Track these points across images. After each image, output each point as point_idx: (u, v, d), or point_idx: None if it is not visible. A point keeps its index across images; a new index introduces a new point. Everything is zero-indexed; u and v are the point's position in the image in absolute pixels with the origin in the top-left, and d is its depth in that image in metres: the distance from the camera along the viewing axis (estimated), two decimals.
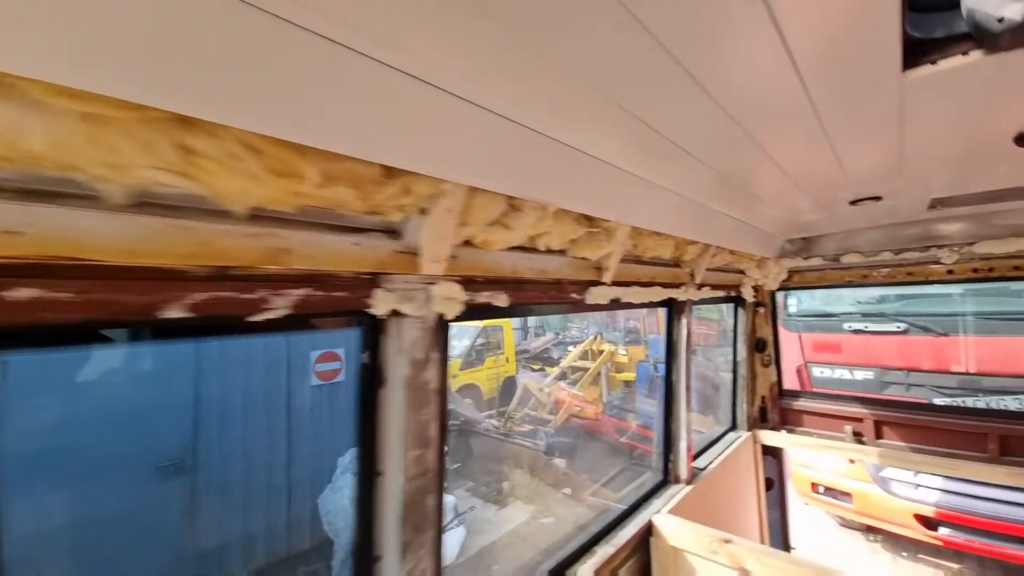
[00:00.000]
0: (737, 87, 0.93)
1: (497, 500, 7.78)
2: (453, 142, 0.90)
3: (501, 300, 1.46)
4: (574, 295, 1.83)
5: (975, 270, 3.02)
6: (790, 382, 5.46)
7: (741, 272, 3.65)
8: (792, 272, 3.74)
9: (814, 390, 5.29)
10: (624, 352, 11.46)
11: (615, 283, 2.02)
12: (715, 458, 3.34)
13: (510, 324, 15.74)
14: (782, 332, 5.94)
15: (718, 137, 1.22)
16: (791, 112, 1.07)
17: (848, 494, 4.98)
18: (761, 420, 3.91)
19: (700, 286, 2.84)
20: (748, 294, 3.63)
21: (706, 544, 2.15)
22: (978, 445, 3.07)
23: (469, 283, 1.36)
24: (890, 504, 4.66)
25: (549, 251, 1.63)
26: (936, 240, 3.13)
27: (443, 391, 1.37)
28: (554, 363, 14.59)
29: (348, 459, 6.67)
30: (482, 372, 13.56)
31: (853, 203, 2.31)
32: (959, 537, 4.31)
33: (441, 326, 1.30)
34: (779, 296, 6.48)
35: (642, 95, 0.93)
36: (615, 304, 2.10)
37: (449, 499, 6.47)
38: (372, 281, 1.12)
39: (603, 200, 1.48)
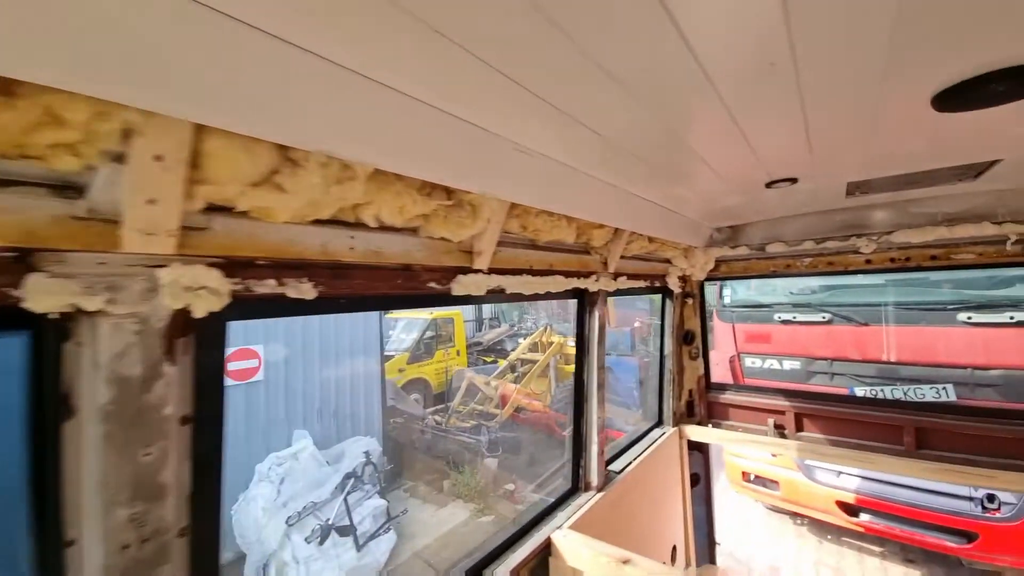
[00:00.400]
0: (631, 63, 0.86)
1: (436, 500, 7.46)
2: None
3: (303, 290, 1.10)
4: (434, 284, 1.49)
5: (892, 260, 2.94)
6: (723, 374, 5.44)
7: (667, 261, 3.46)
8: (720, 262, 3.59)
9: (741, 382, 5.28)
10: (573, 343, 11.34)
11: (495, 271, 1.70)
12: (638, 456, 3.16)
13: (461, 316, 15.37)
14: (717, 323, 5.94)
15: (612, 110, 1.07)
16: (694, 93, 1.01)
17: (775, 482, 5.02)
18: (688, 414, 3.77)
19: (616, 275, 2.59)
20: (675, 284, 3.45)
21: (603, 564, 1.91)
22: (894, 437, 3.04)
23: (241, 267, 0.99)
24: (813, 491, 4.71)
25: (387, 228, 1.29)
26: (856, 229, 3.05)
27: (213, 416, 1.01)
28: (508, 355, 14.37)
29: (267, 466, 6.13)
30: (431, 366, 13.14)
31: (769, 185, 2.11)
32: (879, 524, 4.40)
33: (186, 327, 0.92)
34: (715, 287, 6.49)
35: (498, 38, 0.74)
36: (499, 295, 1.79)
37: (379, 503, 6.08)
38: (19, 262, 0.73)
39: (457, 166, 1.15)
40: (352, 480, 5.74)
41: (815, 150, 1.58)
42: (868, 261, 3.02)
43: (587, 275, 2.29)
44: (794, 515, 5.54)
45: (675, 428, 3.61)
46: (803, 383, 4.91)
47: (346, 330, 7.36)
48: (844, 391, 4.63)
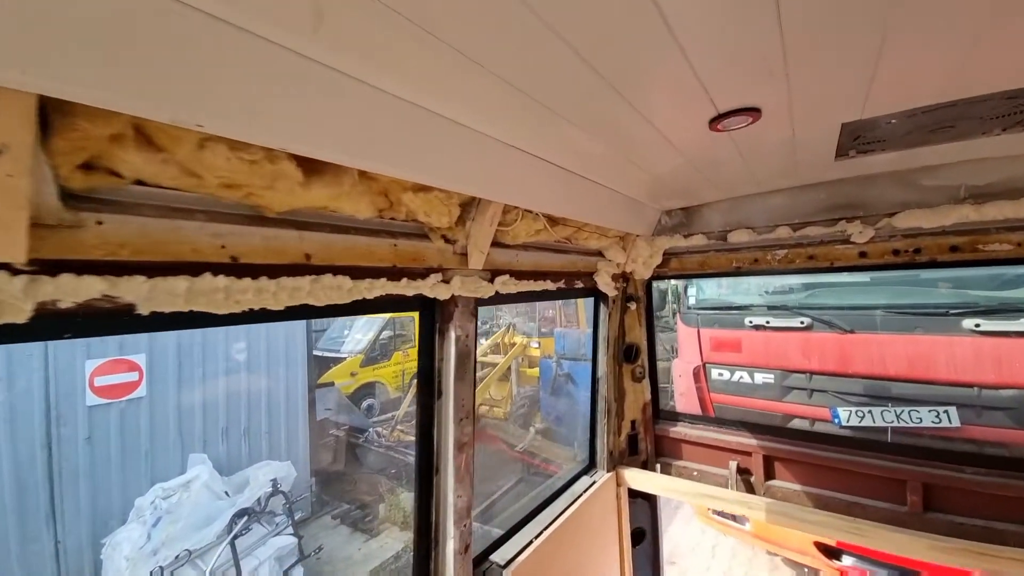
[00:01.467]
0: None
1: (369, 528, 6.55)
2: None
3: None
4: None
5: (895, 252, 2.12)
6: (687, 387, 4.63)
7: (597, 254, 2.59)
8: (670, 255, 2.74)
9: (706, 398, 4.49)
10: (537, 345, 10.52)
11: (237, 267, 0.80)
12: (561, 514, 2.31)
13: None
14: (681, 327, 5.14)
15: None
16: None
17: (745, 516, 4.24)
18: (630, 451, 2.93)
19: (496, 273, 1.70)
20: (607, 285, 2.58)
21: None
22: (894, 495, 2.24)
23: None
24: (789, 529, 3.93)
25: None
26: (847, 210, 2.22)
27: None
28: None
29: (150, 499, 5.12)
30: (388, 369, 12.15)
31: (718, 123, 1.26)
32: (864, 568, 3.66)
33: None
34: (674, 285, 5.67)
35: None
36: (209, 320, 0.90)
37: (287, 542, 5.14)
38: None
39: None
40: (245, 518, 4.78)
41: (791, 56, 0.95)
42: (863, 254, 2.20)
43: (424, 274, 1.40)
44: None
45: (611, 473, 2.76)
46: (778, 401, 4.12)
47: (262, 335, 6.34)
48: (826, 413, 3.86)
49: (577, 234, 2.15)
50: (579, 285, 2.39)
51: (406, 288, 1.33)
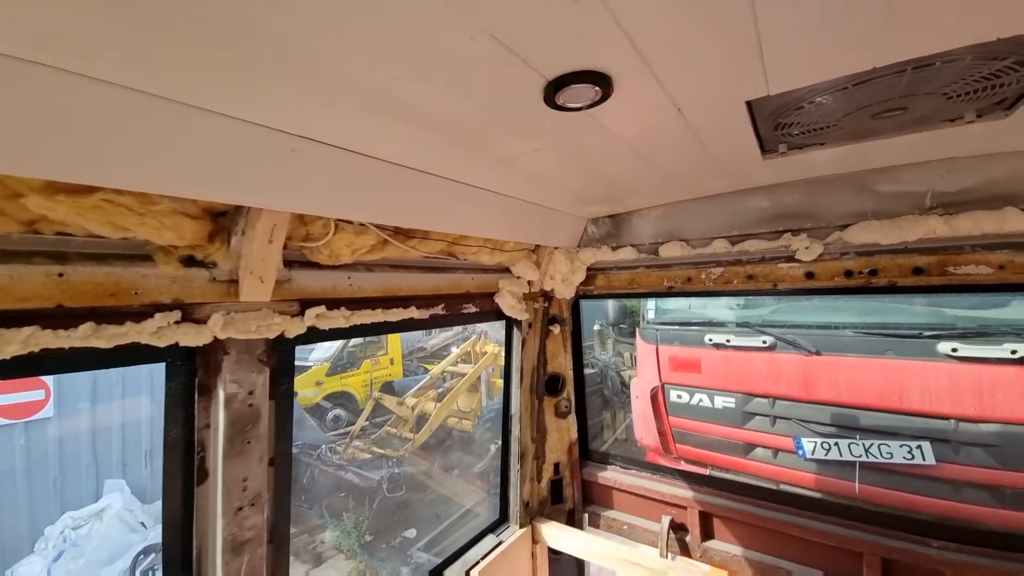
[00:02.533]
0: None
1: (314, 556, 6.06)
2: None
3: None
4: None
5: (848, 273, 1.71)
6: (644, 410, 4.22)
7: (504, 271, 2.17)
8: (595, 271, 2.32)
9: (664, 423, 4.08)
10: None
11: None
12: None
13: None
14: (640, 344, 4.72)
15: None
16: None
17: None
18: (553, 500, 2.50)
19: (303, 305, 1.27)
20: (512, 308, 2.15)
21: None
22: (849, 569, 1.83)
23: None
24: None
25: None
26: (790, 220, 1.82)
27: None
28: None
29: (59, 529, 4.60)
30: (357, 377, 11.64)
31: (556, 94, 0.84)
32: None
33: None
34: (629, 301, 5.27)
35: None
36: None
37: None
38: None
39: None
40: (153, 555, 4.28)
41: None
42: (810, 275, 1.79)
43: (141, 315, 0.96)
44: None
45: (526, 529, 2.33)
46: (739, 427, 3.72)
47: None
48: (789, 443, 3.46)
49: (457, 248, 1.72)
50: (471, 309, 1.96)
51: (93, 337, 0.89)
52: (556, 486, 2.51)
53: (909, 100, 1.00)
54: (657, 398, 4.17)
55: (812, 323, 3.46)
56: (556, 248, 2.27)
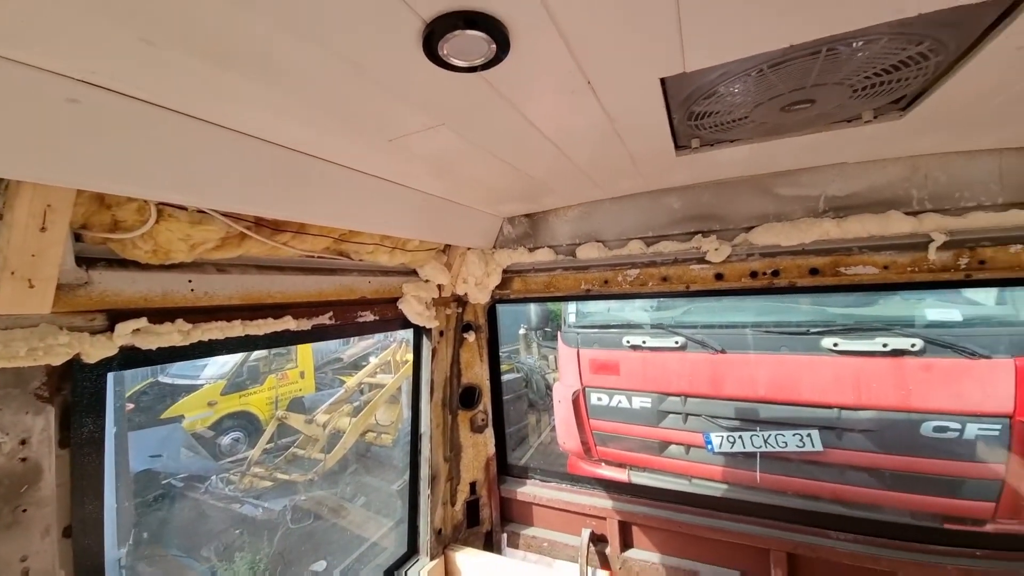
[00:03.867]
0: None
1: None
2: None
3: None
4: None
5: (753, 274, 1.73)
6: (565, 416, 4.17)
7: (410, 274, 1.94)
8: (511, 273, 2.18)
9: (585, 426, 4.07)
10: None
11: None
12: None
13: None
14: (562, 347, 4.71)
15: None
16: None
17: None
18: (470, 523, 2.30)
19: (112, 318, 0.95)
20: (419, 315, 1.92)
21: None
22: (758, 566, 1.85)
23: None
24: None
25: None
26: (701, 222, 1.82)
27: None
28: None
29: None
30: (260, 395, 10.49)
31: (434, 42, 0.62)
32: None
33: None
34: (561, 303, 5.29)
35: None
36: None
37: None
38: None
39: None
40: None
41: None
42: (719, 276, 1.79)
43: None
44: None
45: (438, 560, 2.10)
46: (654, 426, 3.81)
47: None
48: (699, 438, 3.60)
49: (346, 246, 1.46)
50: (368, 318, 1.70)
51: None
52: (472, 507, 2.31)
53: (818, 91, 0.97)
54: (579, 402, 4.16)
55: (719, 323, 3.64)
56: (469, 249, 2.08)
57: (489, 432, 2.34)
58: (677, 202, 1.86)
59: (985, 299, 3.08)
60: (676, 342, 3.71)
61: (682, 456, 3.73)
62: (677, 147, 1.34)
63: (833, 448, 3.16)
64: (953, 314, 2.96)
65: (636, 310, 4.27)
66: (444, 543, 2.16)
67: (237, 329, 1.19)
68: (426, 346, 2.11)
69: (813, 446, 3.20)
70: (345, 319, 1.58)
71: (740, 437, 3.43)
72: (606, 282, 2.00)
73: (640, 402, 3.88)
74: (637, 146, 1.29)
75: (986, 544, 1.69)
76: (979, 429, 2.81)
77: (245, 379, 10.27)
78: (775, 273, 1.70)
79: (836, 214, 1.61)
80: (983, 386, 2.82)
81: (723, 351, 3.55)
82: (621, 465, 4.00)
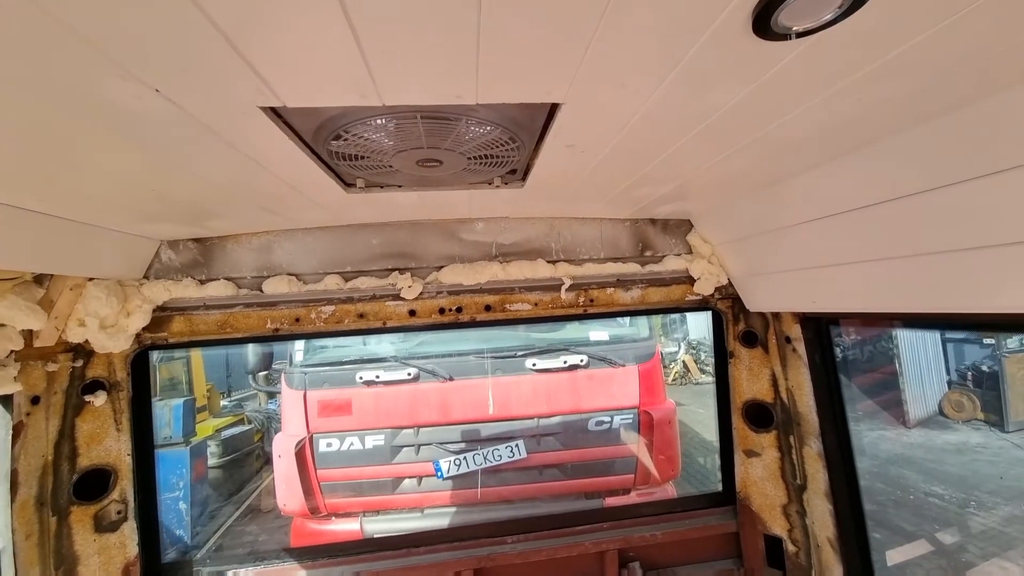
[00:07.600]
0: None
1: None
2: None
3: None
4: None
5: (441, 310, 1.85)
6: (287, 472, 3.61)
7: None
8: (170, 312, 1.71)
9: (311, 480, 3.64)
10: None
11: None
12: None
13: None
14: (286, 391, 4.16)
15: None
16: None
17: None
18: None
19: None
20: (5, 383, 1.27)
21: None
22: None
23: None
24: None
25: None
26: (398, 259, 1.84)
27: None
28: None
29: None
30: None
31: None
32: None
33: None
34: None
35: None
36: None
37: None
38: None
39: None
40: None
41: None
42: (412, 312, 1.83)
43: None
44: None
45: None
46: (387, 463, 3.70)
47: None
48: (430, 468, 3.67)
49: None
50: None
51: None
52: None
53: (440, 153, 1.06)
54: (304, 452, 3.67)
55: (449, 352, 3.86)
56: (91, 280, 1.53)
57: (130, 527, 1.72)
58: (375, 238, 1.84)
59: (623, 322, 4.26)
60: (409, 374, 3.74)
61: (415, 489, 3.73)
62: (346, 185, 1.30)
63: (534, 452, 3.72)
64: (604, 335, 3.99)
65: (383, 342, 4.14)
66: None
67: None
68: (2, 422, 1.41)
69: (520, 454, 3.70)
70: None
71: (464, 458, 3.67)
72: (298, 320, 1.79)
73: (373, 441, 3.71)
74: (294, 177, 1.18)
75: (635, 514, 2.15)
76: (620, 419, 3.81)
77: None
78: (459, 309, 1.86)
79: (503, 259, 1.88)
80: (622, 387, 3.85)
81: (451, 378, 3.77)
82: (353, 515, 3.71)
